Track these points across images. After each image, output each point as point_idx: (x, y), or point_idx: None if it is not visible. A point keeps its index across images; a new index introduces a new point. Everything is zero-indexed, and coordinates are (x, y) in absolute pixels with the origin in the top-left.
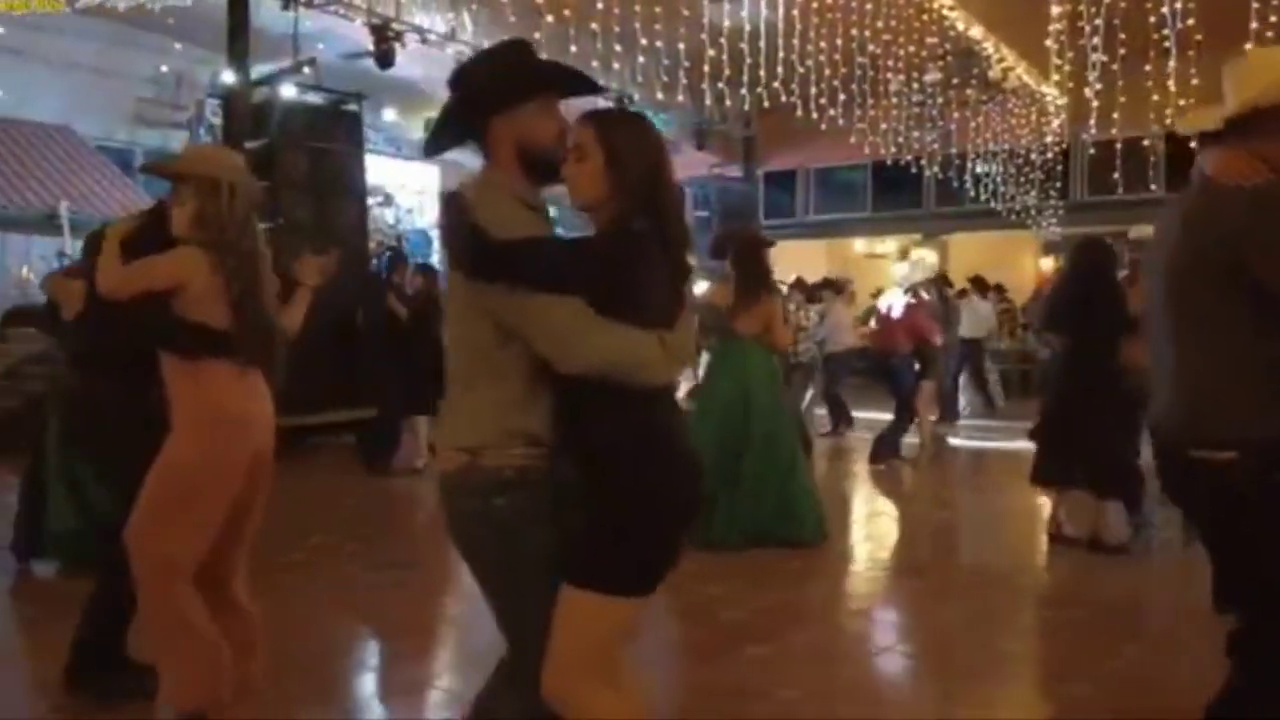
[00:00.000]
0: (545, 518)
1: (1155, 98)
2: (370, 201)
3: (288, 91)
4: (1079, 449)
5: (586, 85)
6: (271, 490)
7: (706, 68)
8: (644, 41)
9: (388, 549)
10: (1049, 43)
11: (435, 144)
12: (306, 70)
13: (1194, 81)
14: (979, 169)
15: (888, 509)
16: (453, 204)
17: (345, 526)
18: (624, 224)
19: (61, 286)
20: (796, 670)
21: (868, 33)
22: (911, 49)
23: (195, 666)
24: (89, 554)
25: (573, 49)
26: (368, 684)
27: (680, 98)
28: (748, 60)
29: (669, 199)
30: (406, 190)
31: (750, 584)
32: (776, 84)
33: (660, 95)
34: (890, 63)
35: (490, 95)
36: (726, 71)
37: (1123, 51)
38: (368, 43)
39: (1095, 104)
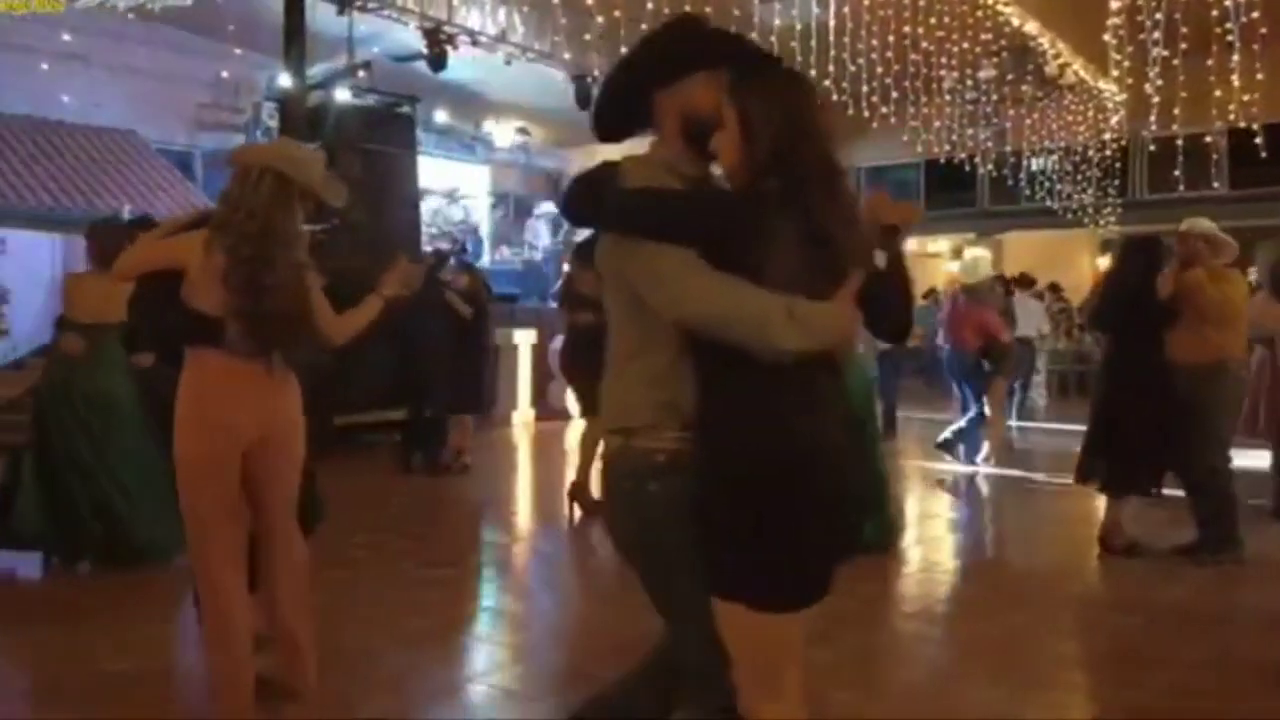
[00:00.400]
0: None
1: (1218, 93)
2: (439, 200)
3: (342, 94)
4: (1128, 450)
5: (757, 57)
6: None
7: None
8: None
9: (435, 547)
10: (1107, 37)
11: (604, 124)
12: (361, 73)
13: (1258, 76)
14: (1035, 166)
15: (941, 511)
16: (600, 169)
17: (393, 524)
18: (752, 189)
19: (70, 283)
20: (853, 672)
21: (920, 30)
22: (965, 45)
23: (221, 680)
24: (60, 552)
25: (623, 49)
26: (415, 681)
27: None
28: (798, 59)
29: (807, 164)
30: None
31: None
32: (828, 82)
33: None
34: (943, 60)
35: (653, 68)
36: None
37: (1184, 46)
38: (420, 45)
39: (1155, 100)
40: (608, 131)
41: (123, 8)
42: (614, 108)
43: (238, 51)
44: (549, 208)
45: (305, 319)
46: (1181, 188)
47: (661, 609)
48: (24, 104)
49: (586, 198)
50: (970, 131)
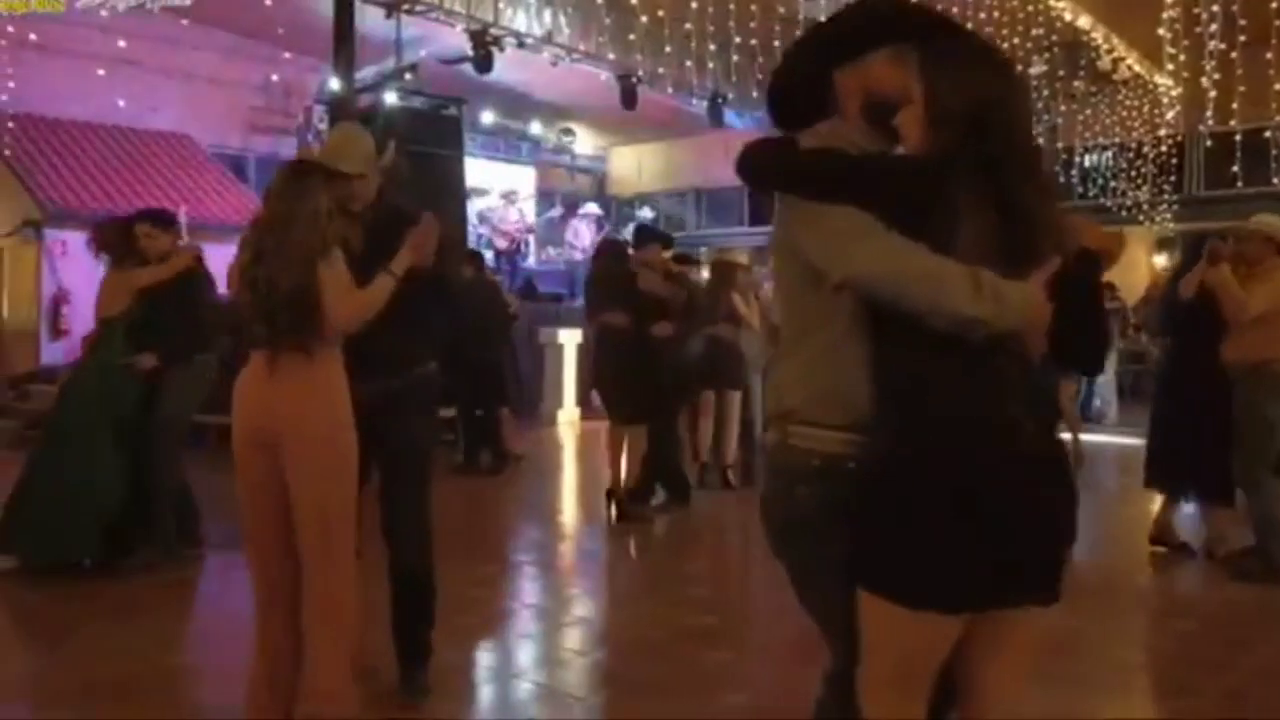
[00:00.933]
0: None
1: (1278, 86)
2: (496, 201)
3: (391, 97)
4: (1185, 456)
5: (947, 31)
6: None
7: None
8: (738, 40)
9: (481, 545)
10: (1162, 31)
11: (781, 105)
12: (408, 76)
13: None
14: (1088, 163)
15: None
16: (778, 137)
17: (440, 522)
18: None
19: (105, 284)
20: None
21: (969, 25)
22: (1016, 40)
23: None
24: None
25: (667, 49)
26: (460, 678)
27: None
28: None
29: (1000, 142)
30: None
31: None
32: None
33: (755, 94)
34: None
35: (834, 44)
36: None
37: (1242, 38)
38: (467, 48)
39: (1212, 94)
40: (784, 114)
41: (122, 8)
42: (792, 87)
43: (286, 55)
44: (592, 208)
45: (302, 308)
46: (1240, 184)
47: (811, 613)
48: (82, 109)
49: (761, 158)
50: None
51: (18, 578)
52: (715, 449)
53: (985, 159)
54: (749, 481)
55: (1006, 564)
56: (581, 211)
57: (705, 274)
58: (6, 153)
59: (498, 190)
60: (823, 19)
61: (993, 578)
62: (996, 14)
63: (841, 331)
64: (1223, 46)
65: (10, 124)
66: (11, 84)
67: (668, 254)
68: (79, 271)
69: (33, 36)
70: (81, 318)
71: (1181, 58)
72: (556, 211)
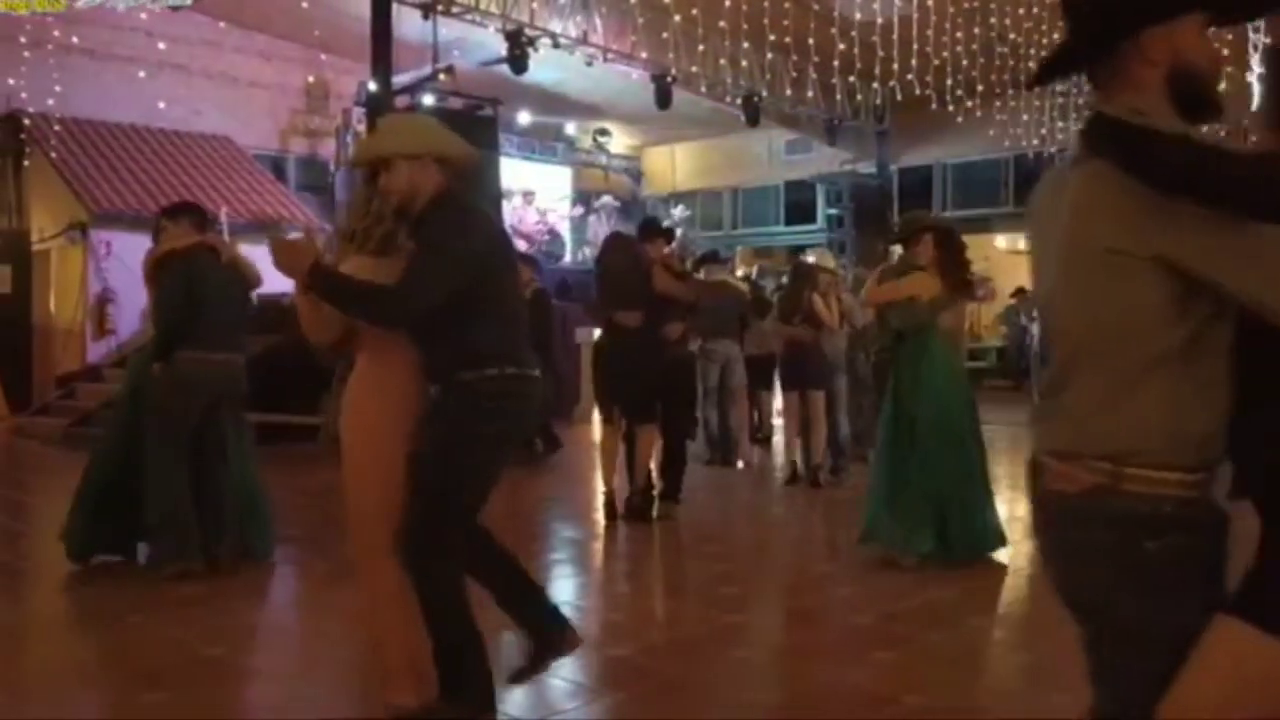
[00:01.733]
0: (1214, 576)
1: None
2: (521, 201)
3: (428, 99)
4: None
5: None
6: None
7: (837, 62)
8: (772, 38)
9: (510, 542)
10: None
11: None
12: (443, 77)
13: None
14: None
15: (1021, 514)
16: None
17: None
18: None
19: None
20: (925, 675)
21: (1008, 21)
22: (1055, 36)
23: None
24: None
25: (700, 47)
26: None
27: (810, 93)
28: (880, 54)
29: None
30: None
31: (877, 587)
32: (910, 77)
33: (789, 91)
34: (1032, 51)
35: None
36: (858, 65)
37: None
38: (502, 49)
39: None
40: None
41: (122, 8)
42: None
43: (323, 57)
44: (606, 200)
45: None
46: None
47: (1106, 684)
48: (126, 112)
49: (1194, 157)
50: (1061, 124)
51: (78, 573)
52: (802, 449)
53: None
54: (839, 479)
55: None
56: (596, 205)
57: (740, 271)
58: (53, 155)
59: (533, 191)
60: (856, 14)
61: None
62: (1036, 9)
63: (1209, 365)
64: (1267, 40)
65: (56, 127)
66: (58, 88)
67: (667, 249)
68: (124, 272)
69: (75, 40)
70: (126, 318)
71: (1225, 52)
72: (577, 211)
